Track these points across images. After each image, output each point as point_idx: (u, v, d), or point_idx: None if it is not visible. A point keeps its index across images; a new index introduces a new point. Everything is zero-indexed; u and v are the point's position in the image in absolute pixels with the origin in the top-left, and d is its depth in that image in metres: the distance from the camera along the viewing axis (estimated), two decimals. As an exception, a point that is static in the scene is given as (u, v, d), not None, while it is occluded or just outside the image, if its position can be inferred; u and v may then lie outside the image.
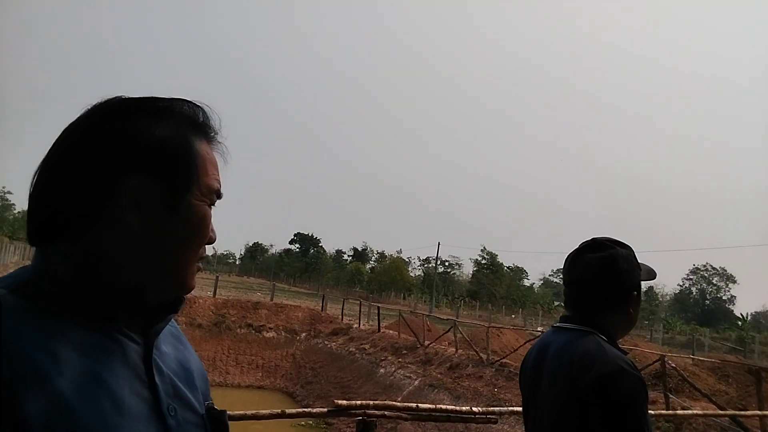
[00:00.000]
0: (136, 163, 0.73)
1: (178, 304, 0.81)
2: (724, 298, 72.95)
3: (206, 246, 0.81)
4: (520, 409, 4.47)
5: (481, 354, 15.05)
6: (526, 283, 77.37)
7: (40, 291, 0.68)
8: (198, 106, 0.82)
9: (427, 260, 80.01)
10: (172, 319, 0.88)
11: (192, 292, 0.85)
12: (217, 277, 28.43)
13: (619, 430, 1.37)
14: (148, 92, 0.81)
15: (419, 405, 4.48)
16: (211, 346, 19.95)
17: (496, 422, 4.95)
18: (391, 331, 20.54)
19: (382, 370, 17.26)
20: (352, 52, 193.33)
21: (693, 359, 14.84)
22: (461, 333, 16.82)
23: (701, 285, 74.50)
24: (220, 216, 0.84)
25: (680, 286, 75.96)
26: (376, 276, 69.78)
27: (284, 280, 66.05)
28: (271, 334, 22.21)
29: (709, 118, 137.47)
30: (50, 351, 0.62)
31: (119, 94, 0.78)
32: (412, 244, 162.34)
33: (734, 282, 72.34)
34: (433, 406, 4.78)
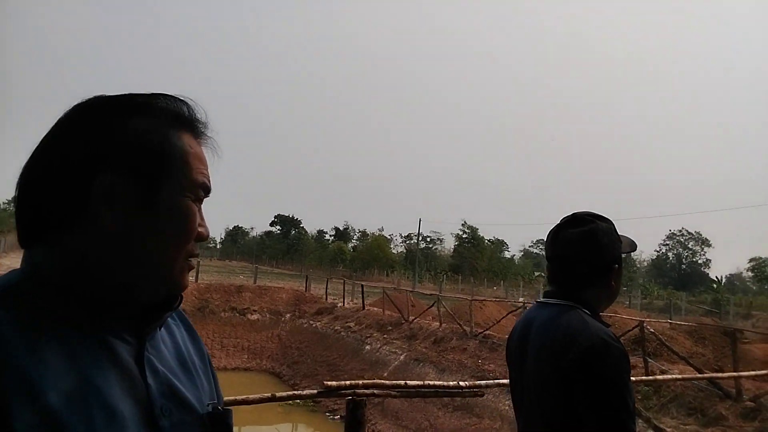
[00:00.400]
0: (111, 160, 0.71)
1: (173, 302, 0.79)
2: (699, 262, 74.28)
3: (197, 242, 0.78)
4: (506, 381, 4.57)
5: (464, 327, 15.27)
6: (507, 255, 78.05)
7: (26, 294, 0.67)
8: (182, 101, 0.80)
9: (408, 237, 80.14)
10: (184, 314, 0.88)
11: None
12: (199, 262, 28.17)
13: (604, 405, 1.39)
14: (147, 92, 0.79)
15: (407, 382, 4.53)
16: (195, 332, 19.92)
17: (482, 395, 5.05)
18: (375, 309, 20.70)
19: (368, 347, 17.44)
20: (334, 33, 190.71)
21: (671, 323, 15.26)
22: (444, 307, 17.07)
23: (677, 250, 75.63)
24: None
25: (657, 251, 76.99)
26: (358, 254, 69.87)
27: (266, 263, 65.63)
28: (255, 317, 22.24)
29: (681, 80, 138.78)
30: (38, 359, 0.61)
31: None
32: (394, 222, 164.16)
33: (709, 246, 73.56)
34: (421, 383, 4.85)
